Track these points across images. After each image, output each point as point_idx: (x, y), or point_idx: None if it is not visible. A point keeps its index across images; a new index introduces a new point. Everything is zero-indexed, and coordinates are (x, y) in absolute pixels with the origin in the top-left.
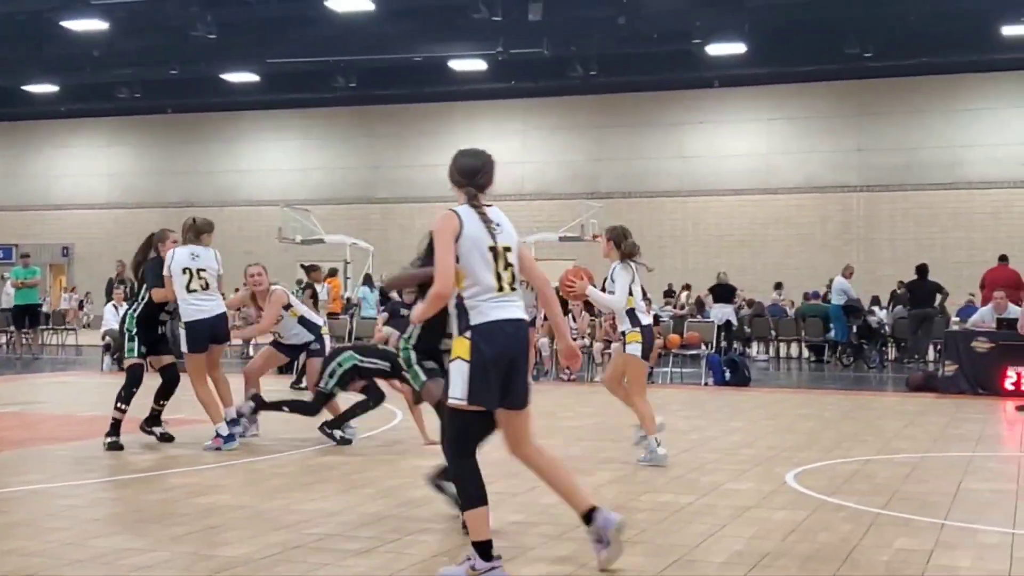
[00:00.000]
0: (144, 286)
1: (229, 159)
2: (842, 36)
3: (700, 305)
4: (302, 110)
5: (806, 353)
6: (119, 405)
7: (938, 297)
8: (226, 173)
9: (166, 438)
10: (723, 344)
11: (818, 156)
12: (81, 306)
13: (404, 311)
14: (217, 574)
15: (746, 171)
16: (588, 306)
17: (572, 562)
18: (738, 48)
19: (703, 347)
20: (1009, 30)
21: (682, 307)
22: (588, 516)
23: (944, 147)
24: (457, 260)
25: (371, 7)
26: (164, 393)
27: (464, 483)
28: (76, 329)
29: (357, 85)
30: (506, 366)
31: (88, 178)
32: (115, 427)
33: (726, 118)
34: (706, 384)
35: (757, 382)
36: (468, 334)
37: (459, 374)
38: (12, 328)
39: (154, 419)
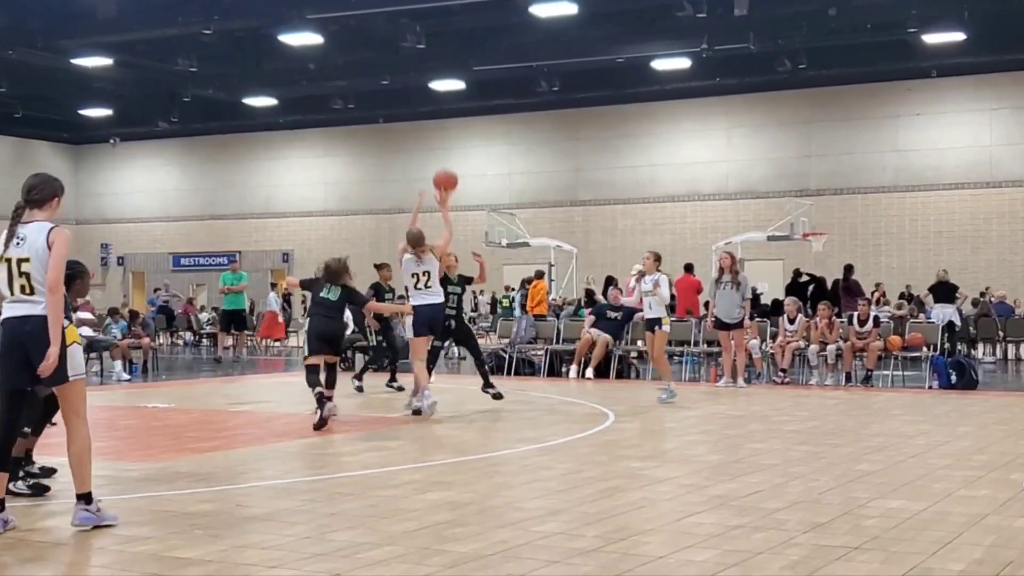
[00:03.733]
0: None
1: (438, 165)
2: None
3: (920, 305)
4: (506, 116)
5: None
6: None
7: None
8: None
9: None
10: (946, 346)
11: None
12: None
13: (611, 313)
14: (450, 569)
15: (967, 164)
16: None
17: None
18: (957, 36)
19: (925, 349)
20: None
21: (899, 307)
22: (84, 496)
23: None
24: None
25: (574, 11)
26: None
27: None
28: (297, 331)
29: (560, 89)
30: (22, 354)
31: (305, 187)
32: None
33: (945, 109)
34: (930, 388)
35: (985, 385)
36: None
37: None
38: (233, 331)
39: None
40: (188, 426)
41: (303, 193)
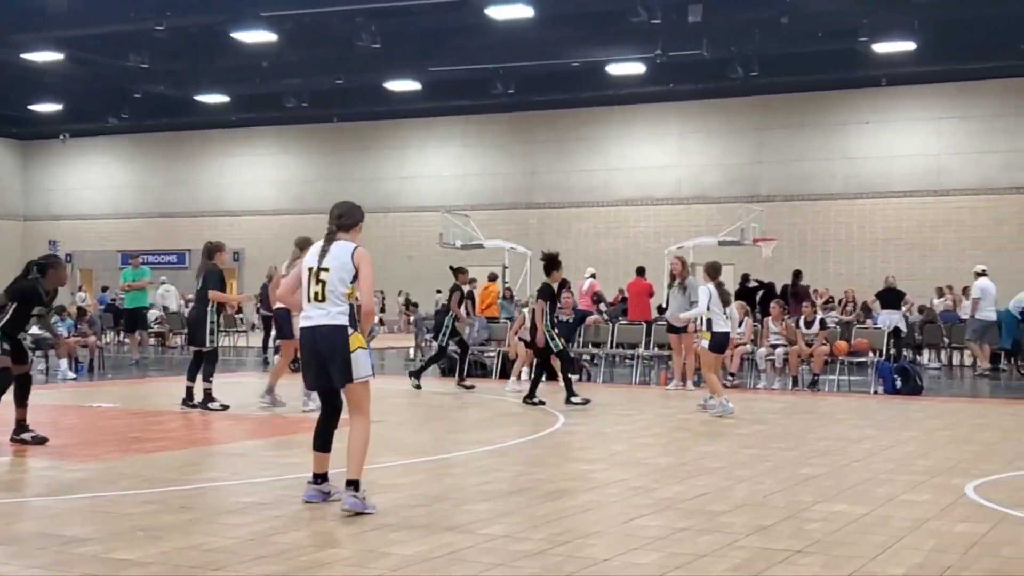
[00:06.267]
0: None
1: (392, 166)
2: (1017, 32)
3: (867, 311)
4: (462, 117)
5: None
6: None
7: None
8: (389, 180)
9: None
10: (892, 351)
11: (993, 156)
12: (258, 310)
13: (563, 316)
14: (393, 572)
15: (916, 172)
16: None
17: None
18: (907, 45)
19: (871, 354)
20: None
21: (850, 312)
22: (353, 483)
23: None
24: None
25: (530, 14)
26: None
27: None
28: (246, 331)
29: (515, 91)
30: (316, 358)
31: (257, 185)
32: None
33: (894, 117)
34: (875, 392)
35: (930, 391)
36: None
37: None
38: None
39: None
40: (133, 426)
41: (255, 192)
